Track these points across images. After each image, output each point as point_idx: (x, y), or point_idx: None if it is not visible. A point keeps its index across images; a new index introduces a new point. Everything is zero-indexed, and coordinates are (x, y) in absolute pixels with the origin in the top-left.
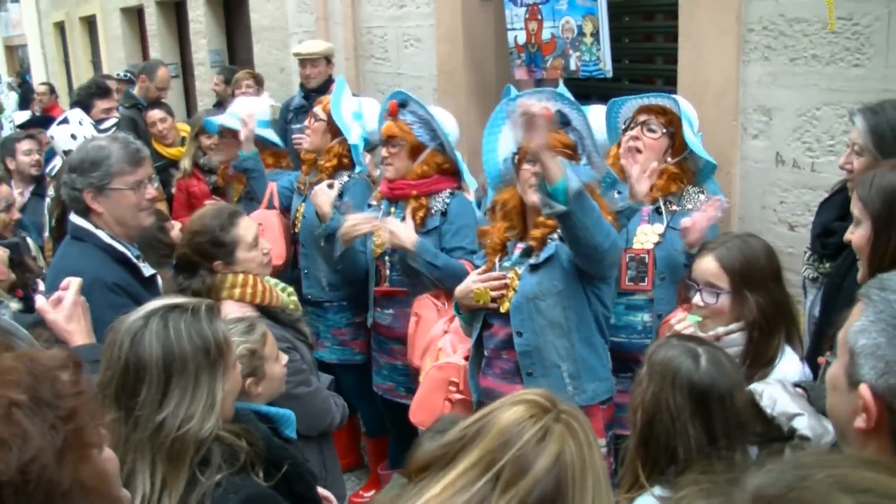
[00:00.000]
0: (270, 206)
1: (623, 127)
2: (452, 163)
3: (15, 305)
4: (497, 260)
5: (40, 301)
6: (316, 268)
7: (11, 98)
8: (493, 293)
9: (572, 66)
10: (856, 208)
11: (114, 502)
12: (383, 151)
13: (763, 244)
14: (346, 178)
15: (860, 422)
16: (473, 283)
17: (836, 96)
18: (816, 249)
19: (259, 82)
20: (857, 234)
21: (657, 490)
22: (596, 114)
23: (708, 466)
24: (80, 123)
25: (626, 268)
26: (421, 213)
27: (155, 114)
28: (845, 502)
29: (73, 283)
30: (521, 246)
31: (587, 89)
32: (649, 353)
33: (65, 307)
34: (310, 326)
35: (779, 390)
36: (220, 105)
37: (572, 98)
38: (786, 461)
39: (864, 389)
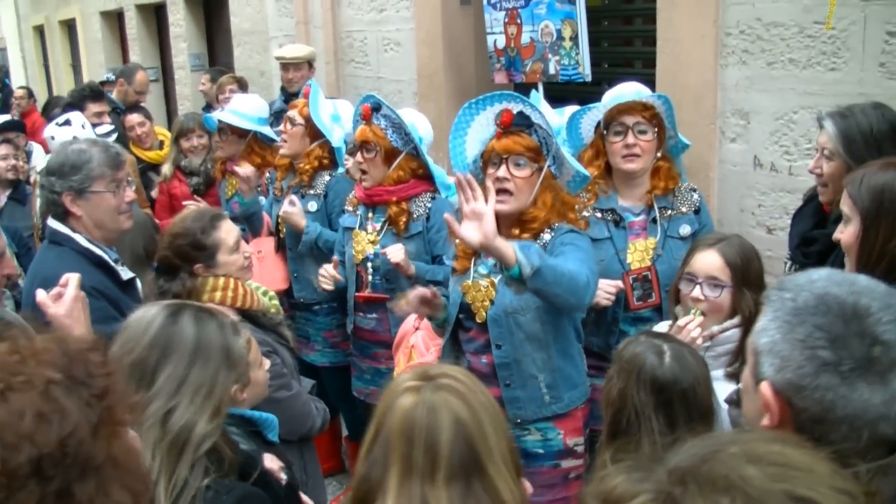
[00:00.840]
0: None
1: (602, 130)
2: (426, 167)
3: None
4: (472, 265)
5: (41, 295)
6: (306, 270)
7: None
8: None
9: (551, 70)
10: (845, 206)
11: (142, 479)
12: (358, 157)
13: (752, 245)
14: (327, 178)
15: (765, 420)
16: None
17: (812, 100)
18: (798, 259)
19: (243, 86)
20: (846, 233)
21: None
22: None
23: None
24: (83, 127)
25: (632, 289)
26: (403, 219)
27: (133, 118)
28: (751, 472)
29: (73, 278)
30: None
31: (566, 93)
32: (619, 350)
33: (65, 302)
34: (299, 331)
35: None
36: (210, 107)
37: (528, 100)
38: (704, 438)
39: (763, 387)
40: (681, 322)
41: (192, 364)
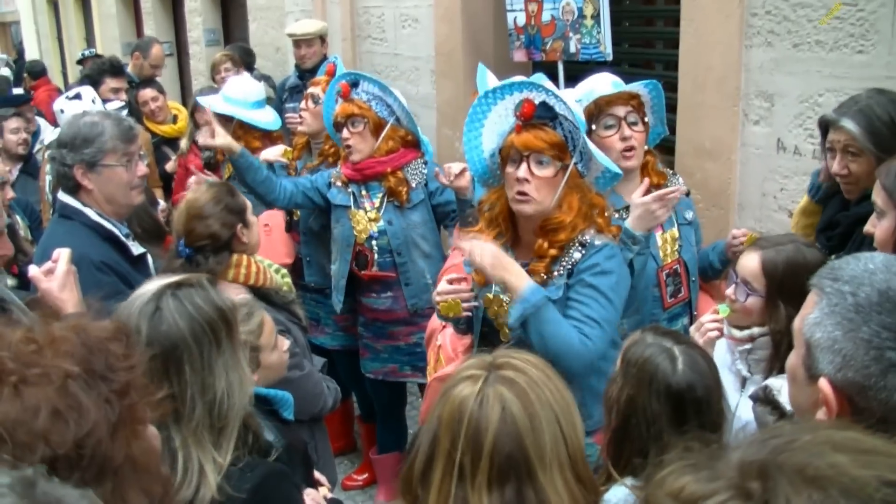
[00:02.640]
0: None
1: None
2: (413, 134)
3: (10, 282)
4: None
5: (33, 270)
6: (318, 255)
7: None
8: (465, 304)
9: (572, 49)
10: (878, 198)
11: (161, 481)
12: (344, 133)
13: (817, 258)
14: None
15: (821, 414)
16: (439, 295)
17: (839, 83)
18: (822, 243)
19: (236, 63)
20: (880, 227)
21: (629, 480)
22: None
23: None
24: (93, 101)
25: (665, 285)
26: (404, 189)
27: (146, 93)
28: (840, 460)
29: (64, 253)
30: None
31: (586, 72)
32: (624, 349)
33: (57, 276)
34: (310, 314)
35: None
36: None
37: (552, 89)
38: (762, 433)
39: (823, 384)
40: (703, 318)
41: (201, 355)
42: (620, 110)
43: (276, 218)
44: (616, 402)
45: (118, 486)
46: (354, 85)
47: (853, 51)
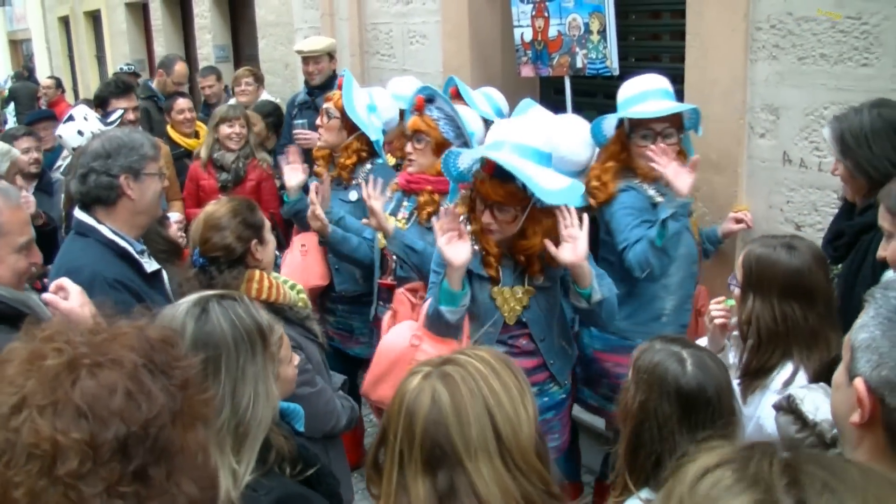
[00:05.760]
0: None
1: (627, 131)
2: None
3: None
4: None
5: (48, 295)
6: (345, 263)
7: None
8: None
9: (578, 64)
10: (885, 222)
11: (210, 477)
12: (408, 147)
13: (795, 258)
14: (368, 166)
15: (855, 416)
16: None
17: (844, 96)
18: (829, 253)
19: (259, 80)
20: (890, 249)
21: (644, 493)
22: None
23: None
24: (86, 118)
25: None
26: (429, 209)
27: (183, 103)
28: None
29: (62, 279)
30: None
31: (593, 87)
32: (635, 358)
33: (74, 295)
34: (340, 324)
35: (821, 396)
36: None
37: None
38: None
39: (858, 382)
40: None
41: (237, 360)
42: (658, 125)
43: (312, 239)
44: (629, 409)
45: (173, 471)
46: (430, 101)
47: (858, 63)
